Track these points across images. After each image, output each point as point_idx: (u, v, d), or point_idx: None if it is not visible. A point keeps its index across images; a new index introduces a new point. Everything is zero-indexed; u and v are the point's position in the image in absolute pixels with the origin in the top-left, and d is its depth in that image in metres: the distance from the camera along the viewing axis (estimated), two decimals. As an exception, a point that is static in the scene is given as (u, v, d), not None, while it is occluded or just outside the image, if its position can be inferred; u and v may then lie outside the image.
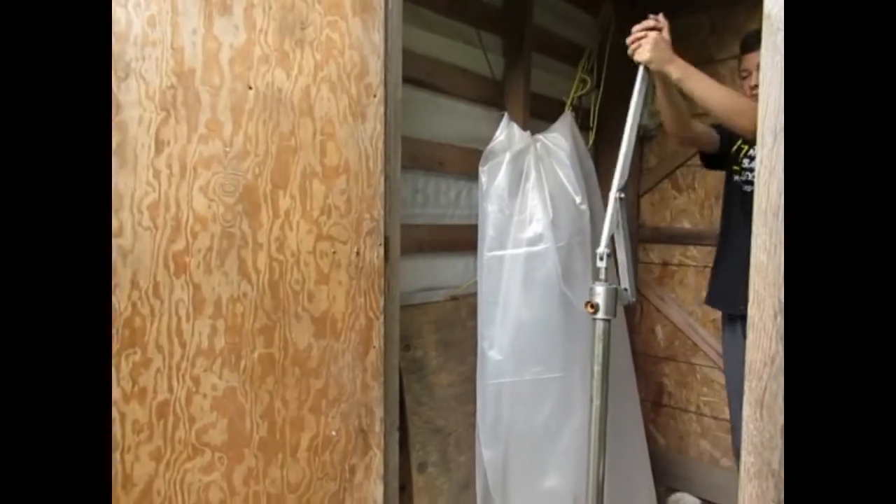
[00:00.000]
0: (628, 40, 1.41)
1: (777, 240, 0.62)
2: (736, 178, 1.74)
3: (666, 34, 1.40)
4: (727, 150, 1.76)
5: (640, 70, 1.39)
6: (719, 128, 1.75)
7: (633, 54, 1.40)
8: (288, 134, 1.11)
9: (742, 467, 0.68)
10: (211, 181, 1.04)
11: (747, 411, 0.66)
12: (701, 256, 2.40)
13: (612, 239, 1.20)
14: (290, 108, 1.11)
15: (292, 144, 1.12)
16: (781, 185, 0.63)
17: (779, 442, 0.61)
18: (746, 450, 0.66)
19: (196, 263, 1.03)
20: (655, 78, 1.44)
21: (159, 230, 0.99)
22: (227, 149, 1.05)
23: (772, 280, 0.63)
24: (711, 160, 1.83)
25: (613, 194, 1.22)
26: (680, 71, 1.38)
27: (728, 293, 1.72)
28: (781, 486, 0.62)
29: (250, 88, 1.07)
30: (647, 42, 1.37)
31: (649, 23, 1.40)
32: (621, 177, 1.24)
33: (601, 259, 1.13)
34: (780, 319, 0.62)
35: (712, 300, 1.90)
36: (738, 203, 1.69)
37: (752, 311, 0.65)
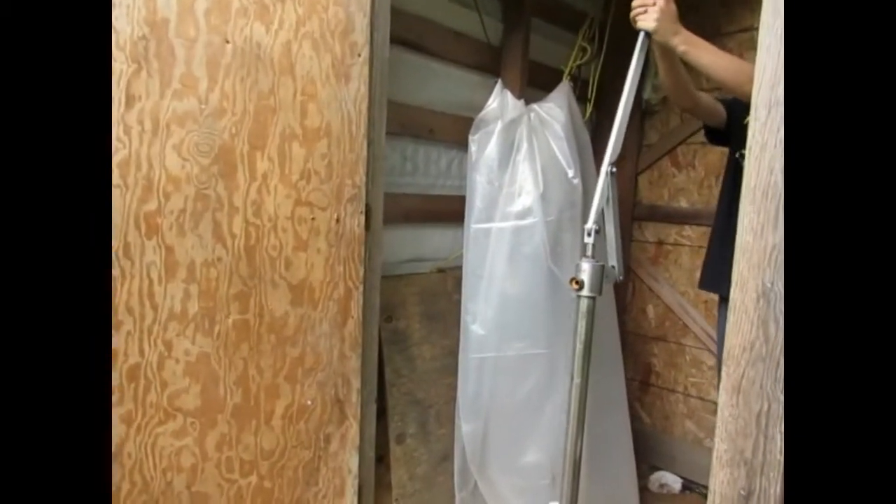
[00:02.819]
0: (633, 5, 1.35)
1: (765, 220, 0.59)
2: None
3: (672, 4, 1.35)
4: (735, 126, 1.68)
5: (641, 37, 1.34)
6: (729, 103, 1.68)
7: (635, 22, 1.34)
8: (267, 93, 1.06)
9: (714, 454, 0.66)
10: (185, 140, 0.99)
11: (723, 398, 0.63)
12: (696, 236, 2.36)
13: (602, 215, 1.16)
14: (270, 65, 1.06)
15: (271, 104, 1.07)
16: (773, 162, 0.60)
17: (753, 430, 0.59)
18: (720, 437, 0.64)
19: (168, 225, 0.99)
20: (657, 49, 1.39)
21: (129, 189, 0.95)
22: (203, 106, 1.01)
23: (756, 262, 0.60)
24: (716, 135, 1.76)
25: (605, 167, 1.18)
26: (685, 42, 1.33)
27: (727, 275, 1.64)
28: (753, 475, 0.60)
29: (227, 42, 1.02)
30: (653, 11, 1.32)
31: None
32: (614, 149, 1.20)
33: (588, 235, 1.09)
34: (763, 303, 0.60)
35: (710, 283, 1.78)
36: None
37: (735, 293, 0.63)
